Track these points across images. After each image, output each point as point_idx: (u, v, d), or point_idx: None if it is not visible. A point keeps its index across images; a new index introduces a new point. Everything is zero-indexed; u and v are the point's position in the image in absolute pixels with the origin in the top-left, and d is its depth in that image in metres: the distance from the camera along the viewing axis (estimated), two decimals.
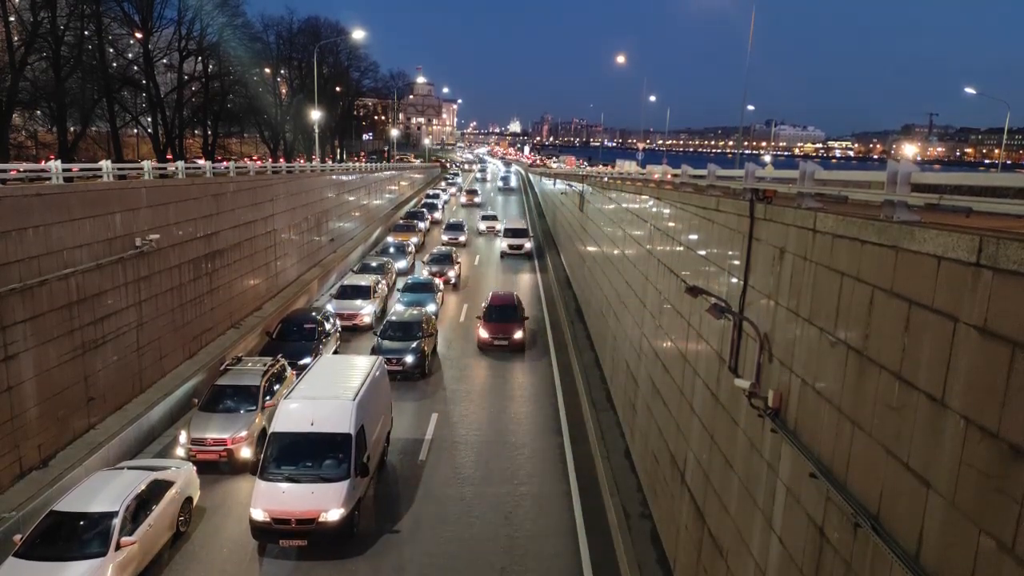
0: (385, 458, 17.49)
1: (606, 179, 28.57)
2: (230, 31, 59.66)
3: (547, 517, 15.34)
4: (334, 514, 13.51)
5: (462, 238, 50.03)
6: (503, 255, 45.86)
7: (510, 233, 47.27)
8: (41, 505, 13.29)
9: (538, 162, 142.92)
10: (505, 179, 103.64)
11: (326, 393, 15.54)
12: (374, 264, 36.45)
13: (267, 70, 75.82)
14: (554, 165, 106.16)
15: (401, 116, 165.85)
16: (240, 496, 15.61)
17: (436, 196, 72.93)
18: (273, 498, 13.60)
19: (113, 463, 15.71)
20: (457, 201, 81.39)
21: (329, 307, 28.39)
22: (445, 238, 48.90)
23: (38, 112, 47.54)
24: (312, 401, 15.19)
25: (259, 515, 13.44)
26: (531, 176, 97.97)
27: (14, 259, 14.19)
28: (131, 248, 18.45)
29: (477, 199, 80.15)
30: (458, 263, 38.99)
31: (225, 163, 28.88)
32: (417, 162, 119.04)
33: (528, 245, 46.29)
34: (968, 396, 4.79)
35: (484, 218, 58.64)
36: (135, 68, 54.06)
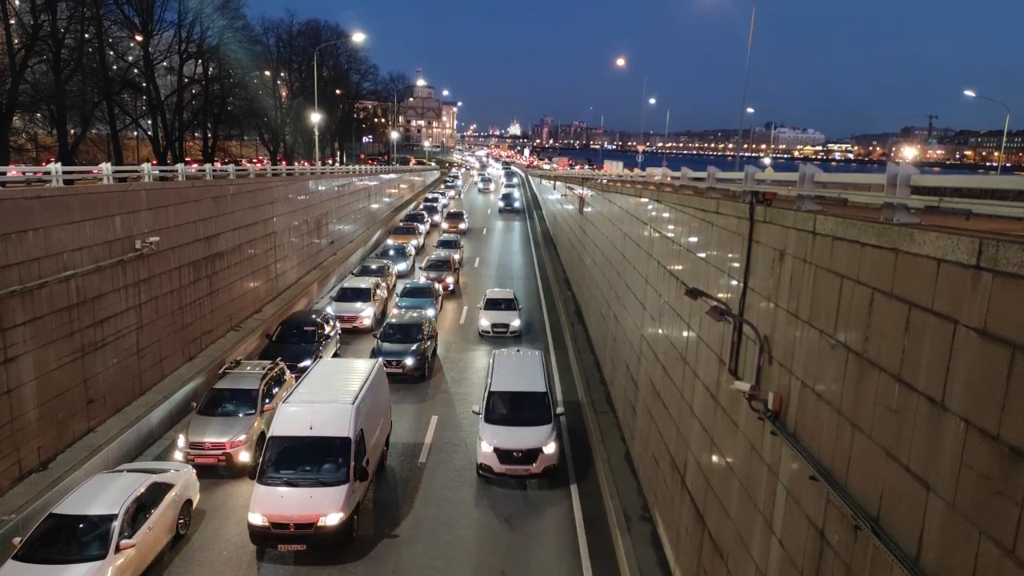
0: (384, 461, 17.47)
1: (604, 181, 28.58)
2: (230, 34, 59.85)
3: (547, 520, 15.32)
4: (333, 518, 13.48)
5: (449, 279, 36.03)
6: (482, 473, 17.03)
7: (506, 405, 18.01)
8: (40, 508, 13.27)
9: (534, 163, 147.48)
10: (508, 198, 79.35)
11: (325, 397, 15.52)
12: (374, 267, 36.46)
13: (267, 73, 76.02)
14: (546, 167, 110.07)
15: (401, 119, 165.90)
16: (240, 499, 15.58)
17: (435, 200, 73.03)
18: (272, 502, 13.57)
19: (113, 466, 15.70)
20: (442, 220, 60.45)
21: (329, 309, 28.38)
22: (432, 275, 35.85)
23: (38, 115, 47.62)
24: (311, 405, 15.16)
25: (257, 519, 13.41)
26: (531, 179, 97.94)
27: (14, 261, 14.19)
28: (131, 250, 18.45)
29: (463, 225, 56.83)
30: (456, 269, 38.91)
31: (232, 165, 28.88)
32: (432, 164, 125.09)
33: (548, 442, 16.89)
34: (968, 398, 4.79)
35: (490, 304, 29.52)
36: (135, 71, 54.17)
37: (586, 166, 72.63)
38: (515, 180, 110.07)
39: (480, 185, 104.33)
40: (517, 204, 78.32)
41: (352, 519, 13.87)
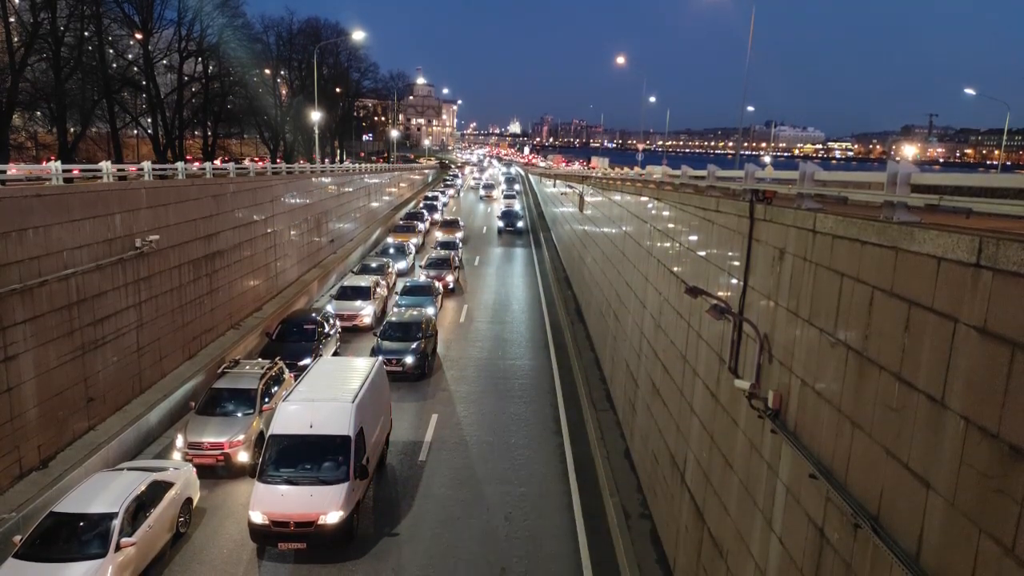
0: (385, 459, 17.47)
1: (597, 176, 28.59)
2: (230, 32, 59.82)
3: (547, 517, 15.32)
4: (333, 516, 13.49)
5: (449, 277, 35.01)
6: None
7: None
8: (41, 506, 13.28)
9: (531, 161, 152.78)
10: (508, 215, 61.39)
11: (325, 395, 15.52)
12: (374, 265, 36.47)
13: (267, 71, 75.96)
14: (542, 164, 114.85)
15: (401, 117, 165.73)
16: (240, 497, 15.59)
17: (435, 198, 73.11)
18: (272, 501, 13.58)
19: (113, 464, 15.70)
20: (428, 241, 50.36)
21: (329, 308, 28.38)
22: (432, 273, 35.06)
23: (38, 113, 47.62)
24: (311, 403, 15.16)
25: (258, 518, 13.42)
26: (531, 177, 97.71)
27: (14, 260, 14.18)
28: (131, 249, 18.44)
29: (460, 234, 50.60)
30: (457, 268, 38.85)
31: (232, 163, 28.87)
32: (434, 161, 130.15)
33: None
34: (968, 397, 4.79)
35: None
36: (135, 69, 54.17)
37: (575, 163, 72.92)
38: (516, 188, 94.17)
39: (483, 192, 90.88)
40: (520, 224, 60.45)
41: (352, 517, 13.87)
